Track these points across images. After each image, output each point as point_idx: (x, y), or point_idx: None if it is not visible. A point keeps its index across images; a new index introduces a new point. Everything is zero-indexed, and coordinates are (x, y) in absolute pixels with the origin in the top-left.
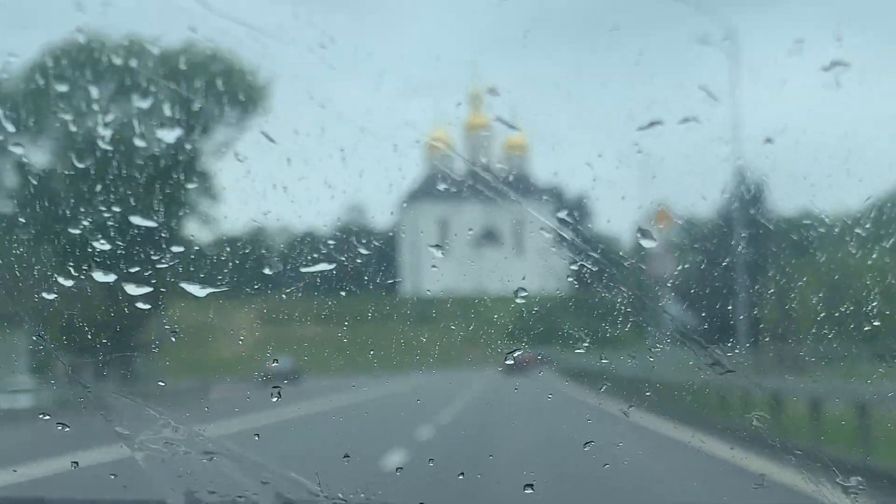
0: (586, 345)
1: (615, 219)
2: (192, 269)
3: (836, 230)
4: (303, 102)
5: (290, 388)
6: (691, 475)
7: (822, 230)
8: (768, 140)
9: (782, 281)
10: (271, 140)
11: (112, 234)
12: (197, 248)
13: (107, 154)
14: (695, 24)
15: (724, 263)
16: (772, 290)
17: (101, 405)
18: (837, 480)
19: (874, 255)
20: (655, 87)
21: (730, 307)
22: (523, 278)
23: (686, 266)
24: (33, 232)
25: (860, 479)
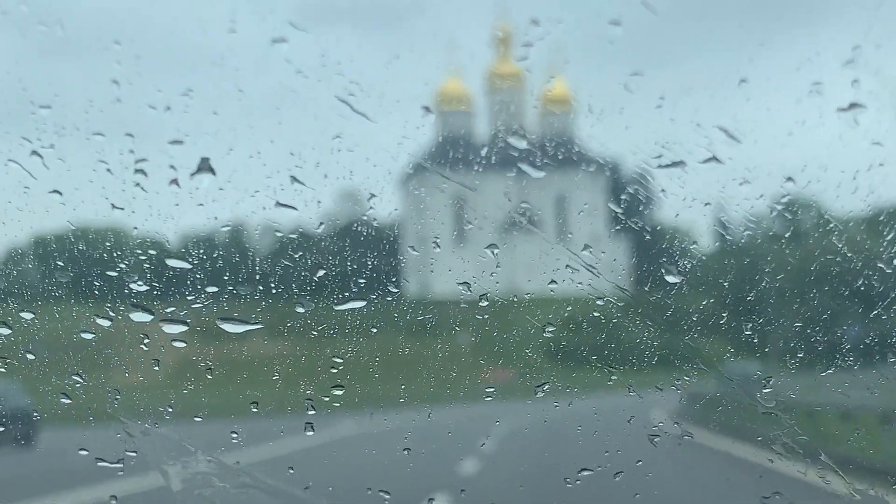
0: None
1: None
2: (226, 307)
3: (859, 265)
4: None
5: None
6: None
7: (845, 265)
8: (789, 179)
9: (807, 314)
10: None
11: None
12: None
13: None
14: (713, 69)
15: (749, 298)
16: (798, 323)
17: (138, 440)
18: None
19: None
20: (676, 129)
21: (756, 340)
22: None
23: (710, 301)
24: (72, 274)
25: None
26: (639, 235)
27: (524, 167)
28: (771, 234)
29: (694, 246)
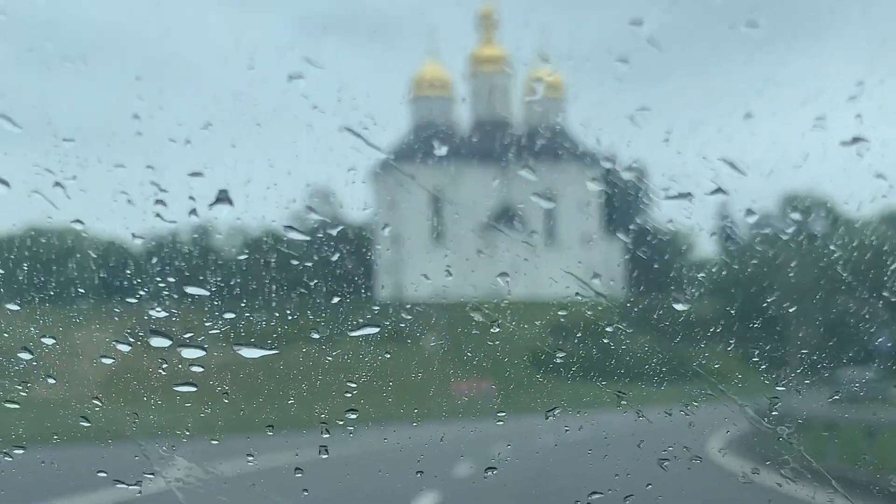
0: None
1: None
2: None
3: (864, 294)
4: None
5: None
6: None
7: (849, 294)
8: (794, 210)
9: (813, 340)
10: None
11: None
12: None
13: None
14: (719, 103)
15: (755, 325)
16: (805, 349)
17: (156, 462)
18: None
19: None
20: (684, 162)
21: (764, 365)
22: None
23: (718, 329)
24: (93, 301)
25: None
26: (647, 265)
27: (534, 199)
28: (776, 263)
29: (701, 275)
